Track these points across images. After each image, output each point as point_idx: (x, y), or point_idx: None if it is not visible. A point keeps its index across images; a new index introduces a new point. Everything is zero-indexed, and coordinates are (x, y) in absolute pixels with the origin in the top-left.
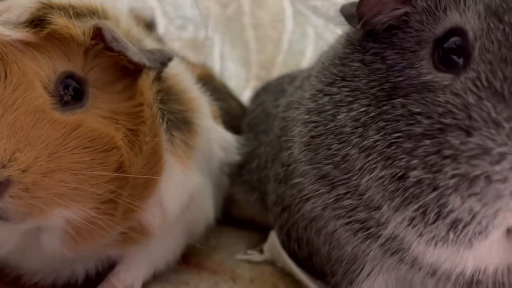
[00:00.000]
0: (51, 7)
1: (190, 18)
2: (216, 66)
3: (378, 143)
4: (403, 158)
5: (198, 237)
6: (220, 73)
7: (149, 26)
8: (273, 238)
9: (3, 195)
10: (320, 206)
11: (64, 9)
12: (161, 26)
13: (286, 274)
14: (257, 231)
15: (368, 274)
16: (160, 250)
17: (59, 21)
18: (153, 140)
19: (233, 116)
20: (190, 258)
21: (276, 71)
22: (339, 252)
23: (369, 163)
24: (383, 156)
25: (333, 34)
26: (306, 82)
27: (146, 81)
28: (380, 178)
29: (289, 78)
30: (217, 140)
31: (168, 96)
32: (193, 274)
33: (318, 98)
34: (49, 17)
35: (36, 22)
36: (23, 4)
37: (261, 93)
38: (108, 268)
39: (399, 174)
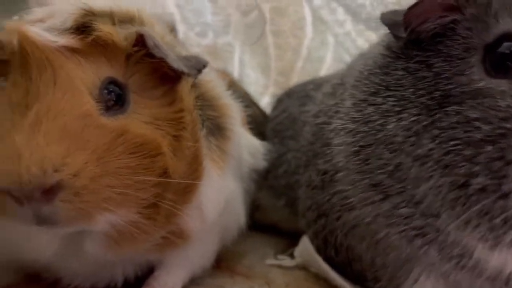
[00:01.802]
0: (93, 14)
1: (210, 25)
2: (235, 72)
3: (434, 151)
4: (464, 165)
5: (230, 241)
6: (239, 79)
7: (172, 32)
8: (306, 243)
9: (54, 199)
10: (371, 214)
11: (105, 16)
12: (180, 32)
13: (320, 279)
14: (282, 236)
15: (416, 280)
16: (198, 254)
17: (103, 28)
18: (194, 146)
19: (257, 122)
20: (221, 262)
21: (295, 78)
22: (385, 259)
23: (424, 172)
24: (441, 164)
25: (354, 43)
26: (340, 89)
27: (185, 87)
28: (438, 187)
29: (314, 85)
30: (247, 146)
31: (203, 102)
32: (226, 278)
33: (362, 108)
34: (94, 24)
35: (81, 28)
36: (66, 11)
37: (284, 99)
38: (146, 272)
39: (461, 182)
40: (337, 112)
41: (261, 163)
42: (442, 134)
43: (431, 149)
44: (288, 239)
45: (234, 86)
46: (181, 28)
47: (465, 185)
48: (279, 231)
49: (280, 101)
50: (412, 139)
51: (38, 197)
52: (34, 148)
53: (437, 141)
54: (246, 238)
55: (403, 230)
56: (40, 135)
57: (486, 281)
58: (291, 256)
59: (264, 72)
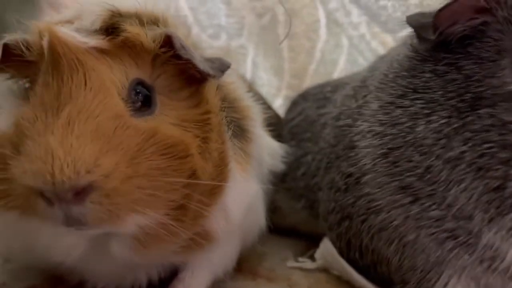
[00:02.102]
0: (120, 15)
1: (224, 27)
2: (248, 74)
3: (466, 154)
4: (499, 168)
5: (251, 244)
6: (252, 81)
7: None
8: (328, 246)
9: (85, 200)
10: (400, 217)
11: (132, 17)
12: (193, 34)
13: (342, 282)
14: (300, 238)
15: (446, 283)
16: (221, 256)
17: (132, 29)
18: (221, 147)
19: (272, 124)
20: (242, 265)
21: (308, 80)
22: (413, 261)
23: (456, 174)
24: (473, 166)
25: (368, 45)
26: (362, 92)
27: (211, 89)
28: (471, 189)
29: (331, 87)
30: (267, 148)
31: (226, 104)
32: (248, 281)
33: (389, 110)
34: (122, 25)
35: (110, 29)
36: (94, 12)
37: (299, 101)
38: (170, 274)
39: (496, 185)
40: (360, 114)
41: (280, 166)
42: (475, 137)
43: (463, 152)
44: (306, 241)
45: (251, 89)
46: (194, 30)
47: (500, 188)
48: (297, 234)
49: (295, 104)
50: (443, 141)
51: (70, 198)
52: (67, 149)
53: (469, 144)
54: (265, 240)
55: (434, 233)
56: (73, 137)
57: None
58: (312, 258)
59: (277, 74)
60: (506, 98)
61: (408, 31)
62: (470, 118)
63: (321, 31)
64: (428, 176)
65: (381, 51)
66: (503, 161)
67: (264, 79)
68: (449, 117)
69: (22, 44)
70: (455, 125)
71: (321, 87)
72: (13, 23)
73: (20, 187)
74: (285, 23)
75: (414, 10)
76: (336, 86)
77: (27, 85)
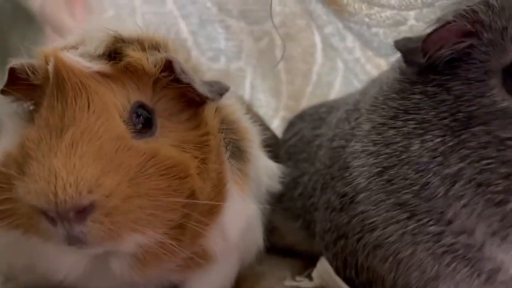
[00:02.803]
0: (123, 40)
1: (223, 50)
2: (246, 96)
3: (465, 170)
4: (500, 183)
5: (248, 263)
6: (250, 103)
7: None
8: (325, 265)
9: (86, 219)
10: (397, 233)
11: (134, 42)
12: (193, 57)
13: None
14: (297, 258)
15: None
16: (219, 275)
17: (134, 54)
18: (219, 168)
19: (270, 145)
20: (240, 284)
21: (305, 102)
22: (407, 278)
23: (455, 190)
24: (473, 182)
25: (363, 68)
26: (354, 115)
27: (210, 112)
28: (473, 204)
29: (326, 108)
30: (265, 168)
31: (224, 125)
32: None
33: (382, 131)
34: (124, 50)
35: (113, 54)
36: (97, 38)
37: (296, 122)
38: None
39: (498, 199)
40: (353, 135)
41: (277, 186)
42: (473, 154)
43: (461, 169)
44: (303, 260)
45: (249, 110)
46: (193, 53)
47: (502, 202)
48: (294, 253)
49: (292, 124)
50: (439, 159)
51: (72, 217)
52: (70, 169)
53: (467, 161)
54: (262, 260)
55: (431, 248)
56: (76, 157)
57: None
58: (309, 277)
59: (275, 96)
60: (499, 116)
61: (397, 55)
62: (464, 136)
63: (317, 55)
64: (425, 192)
65: (375, 74)
66: (503, 176)
67: (262, 100)
68: (444, 135)
69: (28, 68)
70: (451, 143)
71: (316, 108)
72: (18, 47)
73: (24, 206)
74: (282, 47)
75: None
76: (331, 107)
77: (31, 107)
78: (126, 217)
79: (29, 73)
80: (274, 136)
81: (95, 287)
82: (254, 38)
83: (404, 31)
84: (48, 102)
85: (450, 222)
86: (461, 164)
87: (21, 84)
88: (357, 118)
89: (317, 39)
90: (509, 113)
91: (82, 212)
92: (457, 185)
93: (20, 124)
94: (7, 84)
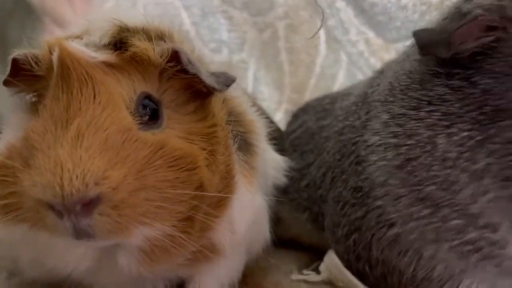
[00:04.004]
0: (128, 30)
1: (226, 41)
2: (249, 88)
3: (492, 166)
4: None
5: (255, 256)
6: (253, 95)
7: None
8: (334, 258)
9: (93, 212)
10: (417, 230)
11: (140, 32)
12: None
13: None
14: (303, 251)
15: None
16: (227, 268)
17: (140, 44)
18: (227, 160)
19: (274, 138)
20: (246, 278)
21: (308, 94)
22: (429, 272)
23: (482, 185)
24: (499, 177)
25: (366, 62)
26: (363, 108)
27: (217, 103)
28: (497, 200)
29: (329, 99)
30: (271, 161)
31: (231, 118)
32: None
33: (403, 122)
34: (130, 40)
35: (118, 44)
36: (102, 27)
37: (300, 114)
38: (177, 287)
39: None
40: (366, 129)
41: (283, 179)
42: (500, 148)
43: (488, 164)
44: (309, 253)
45: (253, 103)
46: (195, 44)
47: None
48: (300, 245)
49: (296, 116)
50: (467, 154)
51: (78, 210)
52: (76, 161)
53: (495, 156)
54: (268, 253)
55: (456, 245)
56: (82, 149)
57: None
58: (316, 271)
59: (278, 89)
60: None
61: (407, 45)
62: (492, 130)
63: (321, 47)
64: (454, 187)
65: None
66: None
67: (265, 93)
68: (471, 129)
69: (31, 58)
70: (478, 138)
71: (319, 100)
72: (16, 38)
73: (29, 200)
74: (285, 38)
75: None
76: (334, 98)
77: (34, 99)
78: (134, 209)
79: (32, 63)
80: (278, 129)
81: (102, 281)
82: (257, 29)
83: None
84: (53, 93)
85: (474, 217)
86: (488, 159)
87: (24, 75)
88: (368, 112)
89: (321, 31)
90: None
91: (89, 205)
92: (483, 181)
93: (23, 116)
94: (10, 75)
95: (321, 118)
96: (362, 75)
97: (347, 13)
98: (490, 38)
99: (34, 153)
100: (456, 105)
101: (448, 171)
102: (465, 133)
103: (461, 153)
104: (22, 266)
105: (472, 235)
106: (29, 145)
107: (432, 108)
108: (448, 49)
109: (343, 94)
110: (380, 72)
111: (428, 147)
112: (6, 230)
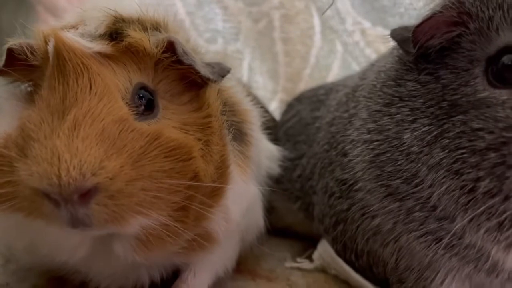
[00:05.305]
0: (123, 20)
1: (221, 31)
2: (244, 78)
3: (444, 160)
4: (471, 171)
5: (249, 244)
6: (248, 85)
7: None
8: (326, 247)
9: (90, 201)
10: (391, 222)
11: (135, 23)
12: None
13: (339, 281)
14: (296, 239)
15: (442, 282)
16: (221, 257)
17: (135, 35)
18: (222, 150)
19: (269, 128)
20: (241, 265)
21: (303, 84)
22: (409, 261)
23: (438, 178)
24: (451, 171)
25: (362, 52)
26: (352, 101)
27: (212, 93)
28: (450, 192)
29: (324, 90)
30: (265, 151)
31: (226, 108)
32: (248, 281)
33: (377, 118)
34: (125, 30)
35: (113, 35)
36: (97, 17)
37: (295, 104)
38: (172, 275)
39: (469, 187)
40: (351, 124)
41: (277, 169)
42: (450, 144)
43: (442, 158)
44: (302, 241)
45: (248, 93)
46: (190, 34)
47: (473, 189)
48: (293, 234)
49: (290, 106)
50: (426, 149)
51: (75, 200)
52: (73, 152)
53: (446, 150)
54: (262, 241)
55: (421, 236)
56: (79, 139)
57: (508, 282)
58: (309, 258)
59: (273, 78)
60: (476, 106)
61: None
62: (446, 125)
63: (316, 37)
64: (415, 180)
65: (375, 58)
66: (473, 165)
67: (259, 82)
68: (430, 124)
69: (27, 48)
70: (435, 133)
71: (315, 90)
72: (9, 27)
73: (26, 189)
74: (281, 28)
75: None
76: (329, 89)
77: (30, 88)
78: (130, 199)
79: (28, 53)
80: (272, 118)
81: (98, 269)
82: (252, 19)
83: None
84: (49, 83)
85: (433, 209)
86: (442, 154)
87: (19, 64)
88: (355, 106)
89: (316, 21)
90: (485, 104)
91: (86, 195)
92: (439, 173)
93: (18, 106)
94: (5, 65)
95: (315, 109)
96: (357, 66)
97: (344, 3)
98: (452, 34)
99: (30, 143)
100: (421, 100)
101: (411, 165)
102: (425, 128)
103: (422, 147)
104: (17, 253)
105: (432, 226)
106: (25, 135)
107: (402, 104)
108: (414, 45)
109: (338, 86)
110: (372, 65)
111: (395, 142)
112: (1, 217)
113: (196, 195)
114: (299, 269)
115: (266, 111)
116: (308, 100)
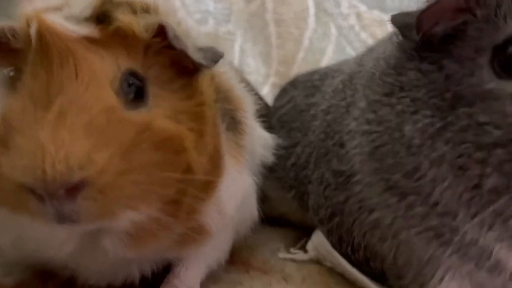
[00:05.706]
0: (111, 2)
1: (212, 12)
2: (235, 61)
3: (448, 154)
4: (476, 167)
5: (243, 236)
6: (239, 68)
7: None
8: (320, 238)
9: (77, 196)
10: (390, 217)
11: (124, 5)
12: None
13: (334, 273)
14: (290, 228)
15: (441, 279)
16: (215, 249)
17: (124, 18)
18: (215, 141)
19: (262, 115)
20: (234, 257)
21: (296, 68)
22: (408, 257)
23: (440, 173)
24: (455, 166)
25: (357, 36)
26: (349, 89)
27: (205, 80)
28: (454, 187)
29: (319, 75)
30: (259, 139)
31: (219, 95)
32: (242, 273)
33: (377, 109)
34: (113, 13)
35: (101, 18)
36: None
37: (289, 89)
38: (163, 269)
39: (474, 183)
40: (348, 112)
41: (271, 158)
42: (455, 137)
43: (445, 152)
44: (296, 231)
45: (242, 78)
46: (180, 15)
47: (478, 186)
48: (287, 222)
49: (285, 91)
50: (429, 142)
51: (61, 195)
52: (59, 144)
53: (450, 144)
54: (255, 231)
55: (421, 231)
56: (65, 131)
57: (510, 283)
58: (303, 249)
59: (265, 62)
60: (482, 98)
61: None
62: (450, 118)
63: (310, 20)
64: (416, 174)
65: (370, 42)
66: (479, 161)
67: (252, 66)
68: (432, 116)
69: (8, 31)
70: (438, 125)
71: (309, 75)
72: None
73: (9, 183)
74: (273, 10)
75: None
76: (325, 74)
77: (12, 73)
78: (120, 193)
79: (9, 36)
80: (266, 105)
81: (87, 264)
82: (244, 0)
83: None
84: (32, 69)
85: (436, 204)
86: (445, 148)
87: (1, 48)
88: (352, 94)
89: (310, 4)
90: (492, 96)
91: (73, 190)
92: (441, 168)
93: (0, 93)
94: None
95: (310, 95)
96: (351, 50)
97: None
98: (458, 21)
99: (12, 133)
100: (423, 90)
101: (412, 158)
102: (428, 120)
103: (424, 140)
104: (4, 248)
105: (433, 222)
106: (7, 125)
107: (403, 94)
108: (417, 32)
109: (333, 71)
110: (370, 51)
111: (396, 134)
112: None
113: (188, 188)
114: (293, 260)
115: (260, 98)
116: (303, 85)
